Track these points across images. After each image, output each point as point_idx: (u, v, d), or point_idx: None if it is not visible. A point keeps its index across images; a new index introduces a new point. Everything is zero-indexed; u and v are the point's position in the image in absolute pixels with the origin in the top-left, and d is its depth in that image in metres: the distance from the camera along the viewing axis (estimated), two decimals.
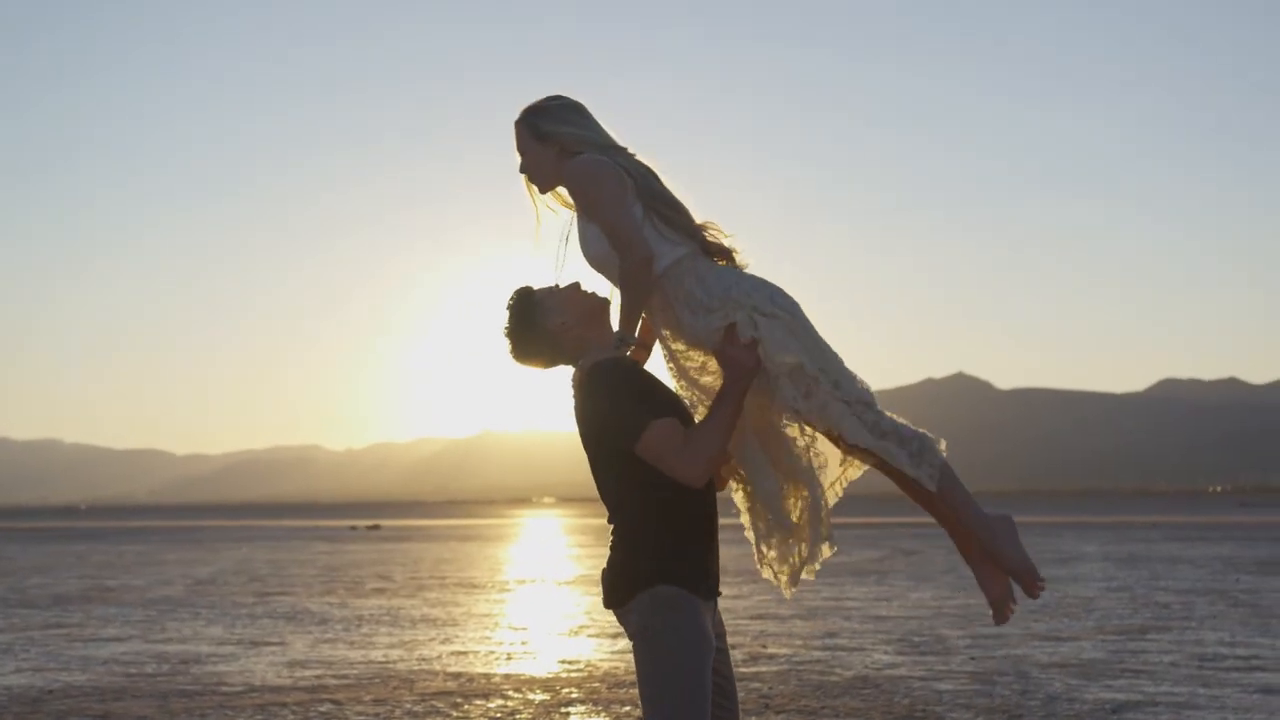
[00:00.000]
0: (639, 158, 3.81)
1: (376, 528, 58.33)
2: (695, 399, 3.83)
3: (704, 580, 3.53)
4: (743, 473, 3.79)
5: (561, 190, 3.89)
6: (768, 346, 3.58)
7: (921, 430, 3.66)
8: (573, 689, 9.05)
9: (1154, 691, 8.68)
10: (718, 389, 3.68)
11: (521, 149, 3.86)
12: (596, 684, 9.28)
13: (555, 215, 3.93)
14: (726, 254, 3.81)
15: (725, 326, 3.63)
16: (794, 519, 3.80)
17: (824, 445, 3.77)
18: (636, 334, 3.72)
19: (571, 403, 3.66)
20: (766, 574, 3.89)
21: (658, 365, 3.89)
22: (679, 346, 3.80)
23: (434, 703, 8.51)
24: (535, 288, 3.74)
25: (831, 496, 3.82)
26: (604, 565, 3.60)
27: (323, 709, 8.31)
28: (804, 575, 3.82)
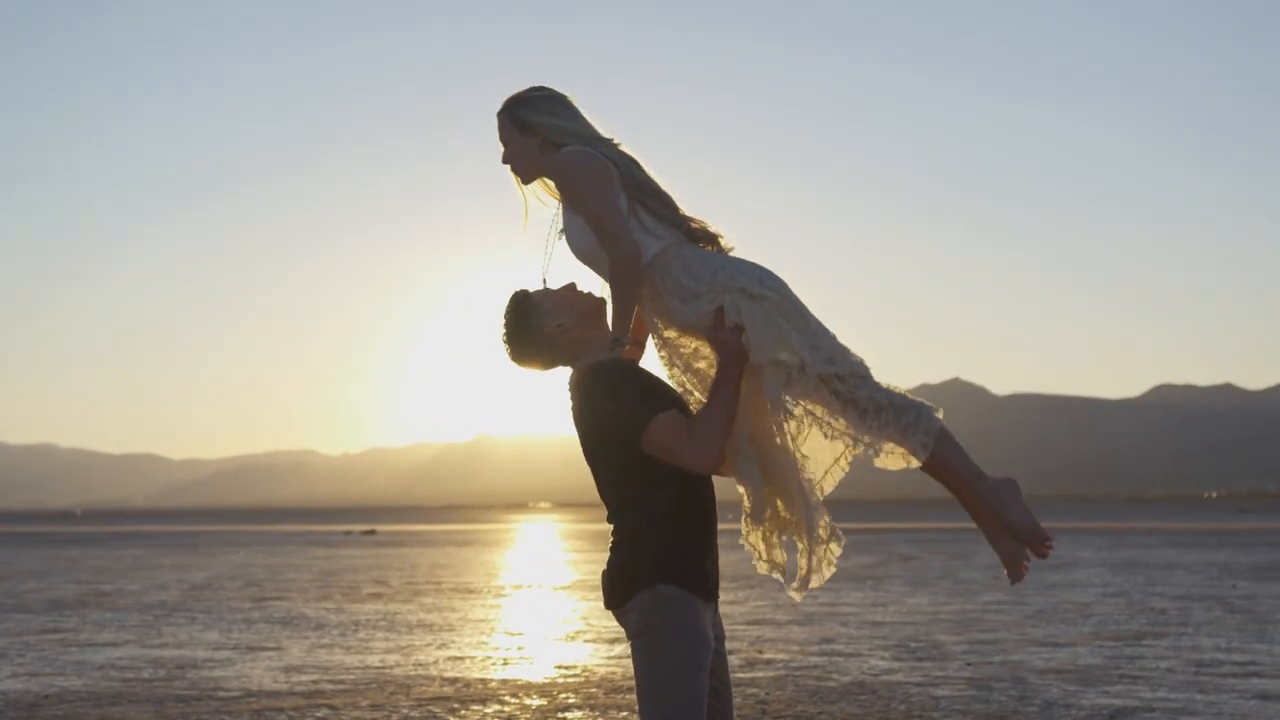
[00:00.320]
0: (623, 148, 3.82)
1: (372, 533, 58.30)
2: (690, 385, 3.83)
3: (704, 581, 3.53)
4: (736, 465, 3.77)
5: (547, 180, 3.90)
6: (751, 336, 3.59)
7: (918, 400, 3.65)
8: (570, 694, 9.04)
9: (1151, 697, 8.68)
10: (712, 374, 3.70)
11: (504, 139, 3.87)
12: (593, 689, 9.27)
13: (543, 206, 3.93)
14: (712, 239, 3.82)
15: (714, 310, 3.64)
16: (784, 514, 3.80)
17: (814, 436, 3.76)
18: (629, 333, 3.72)
19: (569, 405, 3.67)
20: (763, 569, 3.89)
21: (651, 362, 3.90)
22: (671, 334, 3.81)
23: (431, 708, 8.50)
24: (531, 290, 3.75)
25: (830, 482, 3.80)
26: (604, 566, 3.60)
27: (319, 714, 8.30)
28: (813, 583, 3.78)
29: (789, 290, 3.69)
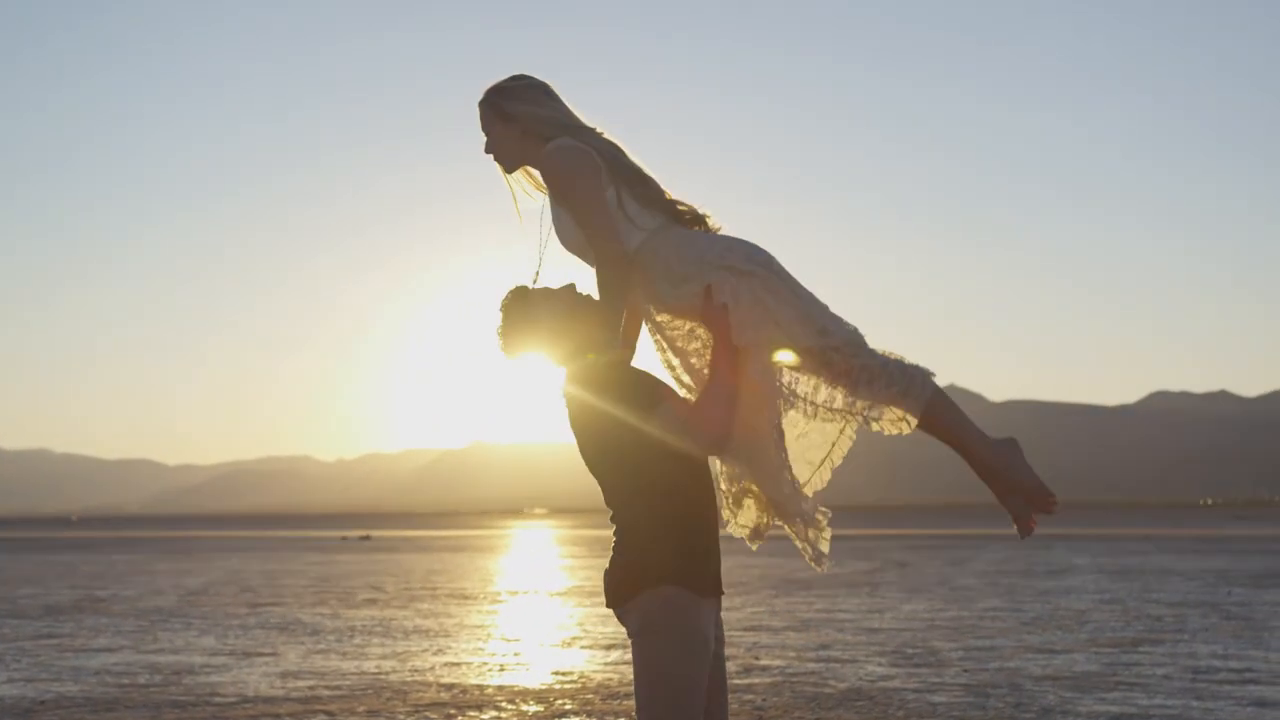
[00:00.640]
0: (605, 135, 3.83)
1: (367, 538, 58.26)
2: (685, 369, 3.84)
3: (706, 580, 3.54)
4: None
5: (531, 170, 3.91)
6: (741, 313, 3.60)
7: (914, 364, 3.67)
8: (566, 700, 9.04)
9: (1148, 704, 8.68)
10: (707, 354, 3.71)
11: (486, 129, 3.88)
12: (590, 695, 9.26)
13: (527, 196, 3.94)
14: (700, 220, 3.83)
15: (704, 290, 3.65)
16: (756, 490, 3.83)
17: (813, 413, 3.78)
18: (621, 331, 3.73)
19: (564, 408, 3.67)
20: (738, 532, 3.93)
21: (645, 350, 3.91)
22: (663, 318, 3.82)
23: (427, 714, 8.50)
24: (531, 288, 3.76)
25: (838, 454, 3.83)
26: (607, 566, 3.61)
27: None
28: (823, 548, 3.84)
29: (778, 265, 3.70)
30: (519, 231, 3.93)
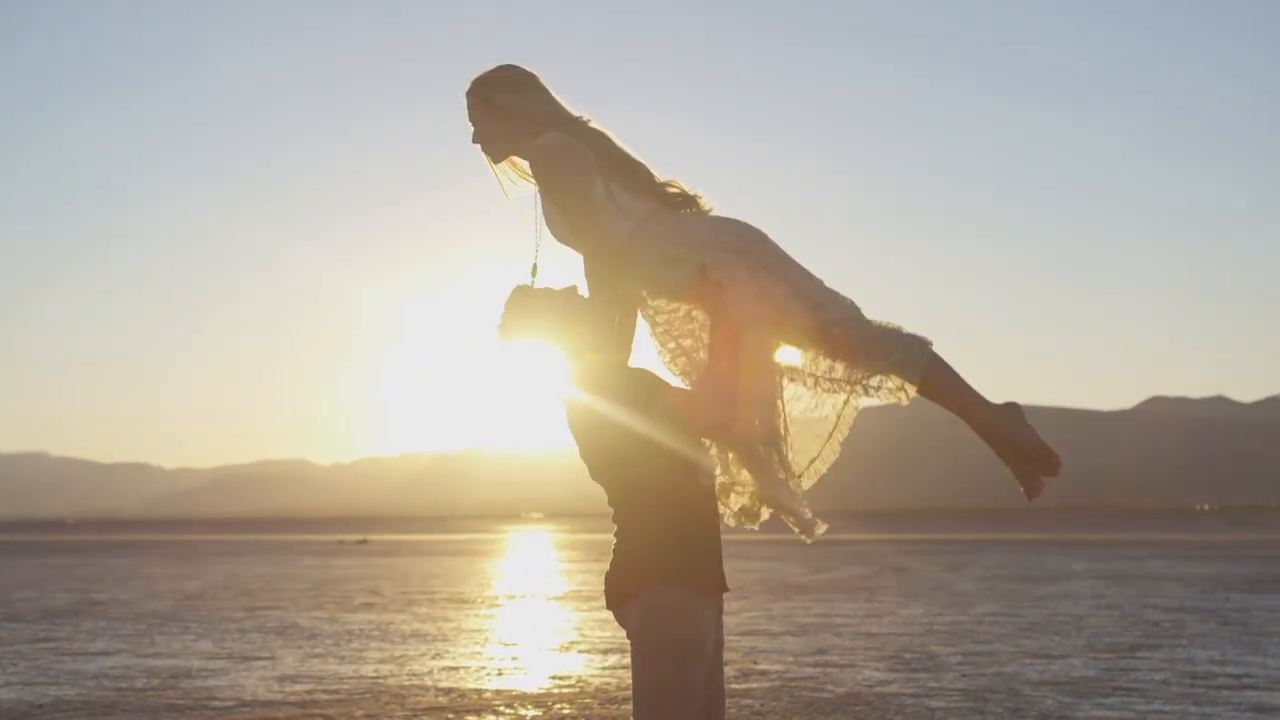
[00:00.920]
0: (593, 124, 3.83)
1: (365, 542, 58.24)
2: (683, 352, 3.84)
3: (707, 579, 3.54)
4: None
5: (517, 160, 3.92)
6: (735, 291, 3.61)
7: (911, 333, 3.68)
8: (564, 705, 9.04)
9: (1146, 710, 8.69)
10: (705, 336, 3.72)
11: (473, 119, 3.88)
12: (588, 700, 9.27)
13: (513, 185, 3.94)
14: (691, 201, 3.83)
15: (698, 271, 3.65)
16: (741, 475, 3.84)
17: (812, 390, 3.80)
18: (617, 331, 3.74)
19: (564, 410, 3.67)
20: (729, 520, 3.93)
21: (642, 343, 3.90)
22: (660, 304, 3.82)
23: (425, 718, 8.50)
24: (532, 288, 3.76)
25: (844, 427, 3.84)
26: (607, 566, 3.61)
27: None
28: (809, 518, 3.83)
29: (772, 242, 3.71)
30: (517, 231, 3.93)
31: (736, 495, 3.91)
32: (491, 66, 3.89)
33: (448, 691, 9.76)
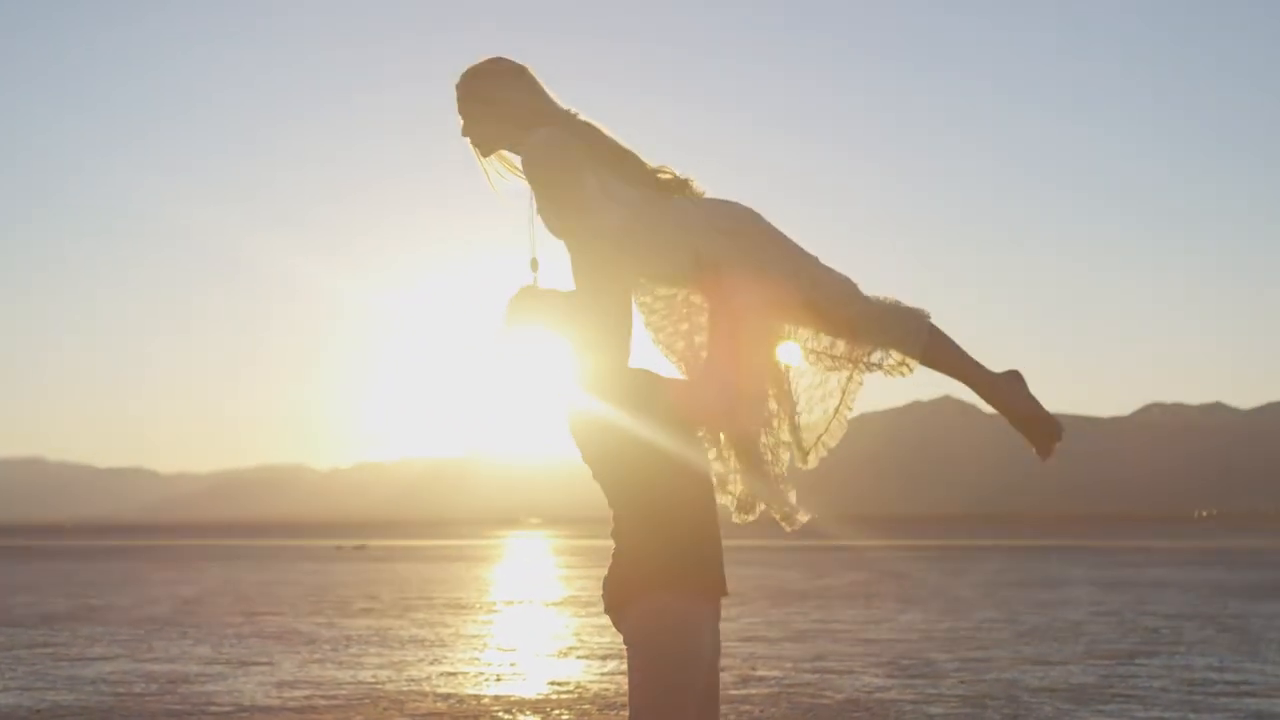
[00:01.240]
0: (582, 117, 3.83)
1: (363, 548, 58.22)
2: (680, 335, 3.84)
3: (705, 580, 3.53)
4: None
5: (505, 154, 3.92)
6: (731, 274, 3.61)
7: (909, 307, 3.68)
8: (563, 710, 9.04)
9: (1144, 717, 8.69)
10: (703, 320, 3.72)
11: (462, 112, 3.87)
12: (587, 705, 9.26)
13: (501, 179, 3.94)
14: (683, 185, 3.83)
15: (693, 256, 3.65)
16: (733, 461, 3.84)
17: (812, 369, 3.80)
18: (614, 332, 3.74)
19: (564, 414, 3.67)
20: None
21: (639, 343, 3.90)
22: (660, 291, 3.82)
23: None
24: (539, 285, 3.76)
25: (849, 401, 3.84)
26: (606, 572, 3.61)
27: None
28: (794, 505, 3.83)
29: (765, 222, 3.71)
30: (518, 234, 3.93)
31: (732, 485, 3.91)
32: (482, 59, 3.89)
33: (446, 697, 9.75)
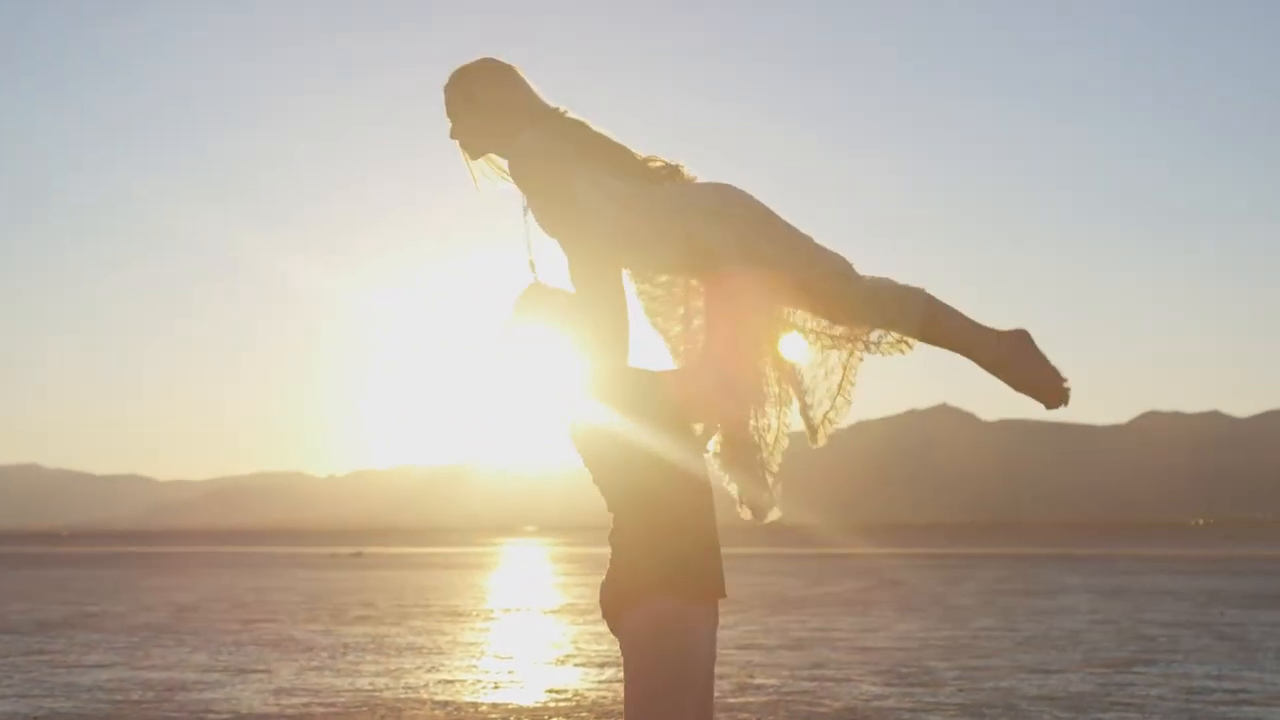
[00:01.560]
0: (570, 115, 3.83)
1: (360, 555, 58.18)
2: (677, 319, 3.84)
3: (703, 583, 3.52)
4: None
5: (494, 157, 3.91)
6: (724, 255, 3.60)
7: (904, 285, 3.66)
8: (560, 718, 9.03)
9: None
10: (699, 304, 3.72)
11: (451, 114, 3.86)
12: (584, 713, 9.25)
13: (487, 180, 3.93)
14: (674, 172, 3.82)
15: (687, 240, 3.64)
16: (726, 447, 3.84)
17: (810, 349, 3.80)
18: (612, 333, 3.73)
19: (565, 418, 3.66)
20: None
21: (637, 335, 3.89)
22: (662, 278, 3.81)
23: None
24: (548, 284, 3.75)
25: (850, 379, 3.82)
26: (604, 577, 3.60)
27: None
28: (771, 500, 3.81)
29: (757, 203, 3.69)
30: (518, 239, 3.92)
31: (730, 484, 3.90)
32: (471, 60, 3.89)
33: (444, 705, 9.74)
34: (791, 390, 3.84)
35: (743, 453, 3.80)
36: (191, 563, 48.15)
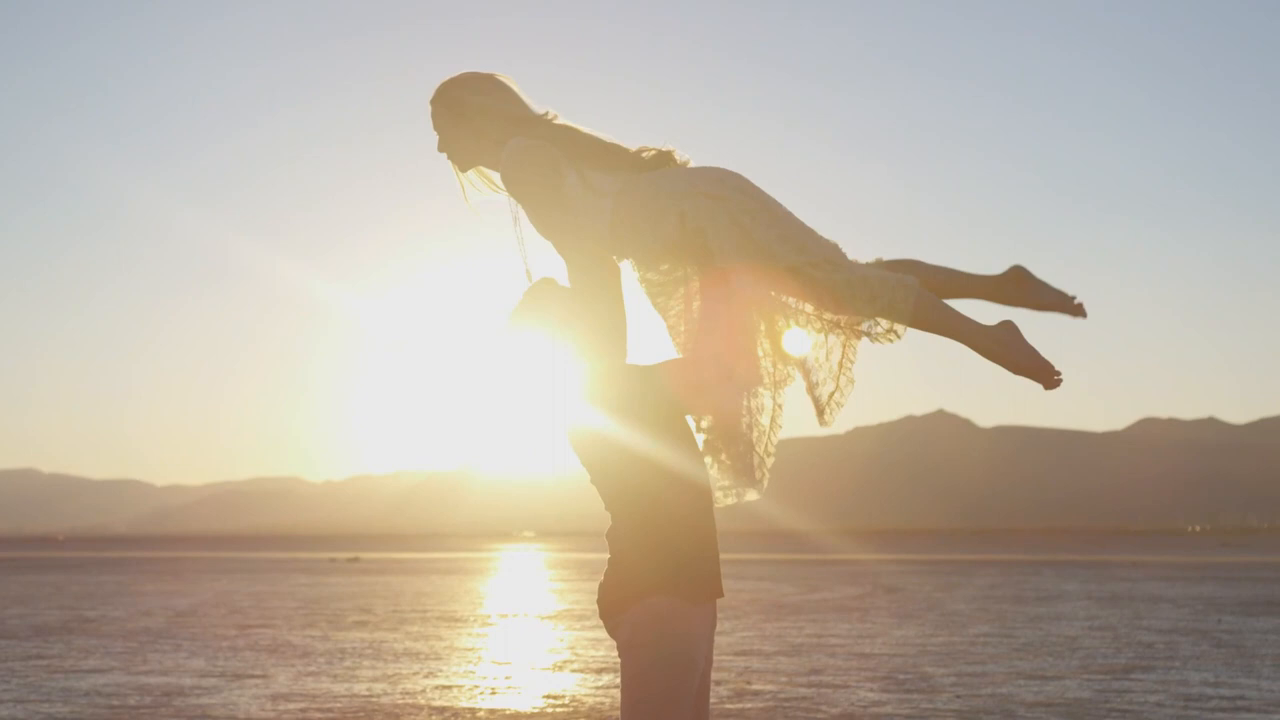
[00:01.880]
0: (558, 120, 3.83)
1: (357, 560, 58.13)
2: (679, 297, 3.84)
3: (699, 584, 3.52)
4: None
5: (484, 170, 3.91)
6: (716, 237, 3.60)
7: (894, 274, 3.66)
8: None
9: None
10: (691, 284, 3.72)
11: (437, 128, 3.86)
12: (582, 719, 9.25)
13: (477, 192, 3.94)
14: (666, 158, 3.83)
15: (679, 220, 3.65)
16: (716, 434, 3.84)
17: (806, 335, 3.80)
18: (610, 334, 3.74)
19: (565, 421, 3.67)
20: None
21: (640, 325, 3.90)
22: (664, 266, 3.82)
23: None
24: (555, 281, 3.76)
25: (848, 362, 3.83)
26: (602, 579, 3.61)
27: None
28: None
29: (751, 185, 3.70)
30: (509, 247, 3.92)
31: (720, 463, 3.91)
32: (455, 73, 3.89)
33: (441, 710, 9.74)
34: (796, 371, 3.84)
35: (730, 433, 3.80)
36: (188, 568, 48.11)
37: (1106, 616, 19.60)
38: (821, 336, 3.83)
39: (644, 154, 3.82)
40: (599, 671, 12.17)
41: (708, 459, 3.84)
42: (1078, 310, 3.89)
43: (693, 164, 3.84)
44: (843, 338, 3.83)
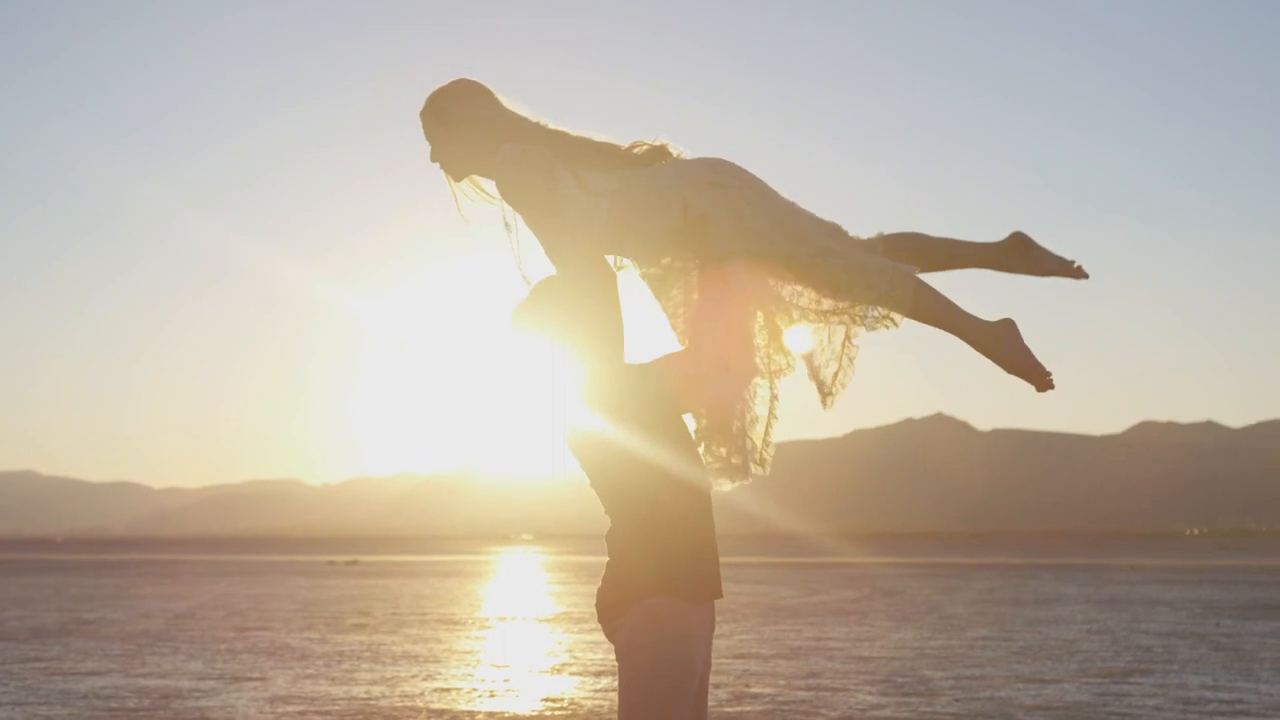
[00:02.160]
0: (549, 126, 3.83)
1: (355, 563, 58.12)
2: (680, 298, 3.84)
3: (697, 584, 3.52)
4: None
5: (476, 179, 3.92)
6: (715, 226, 3.60)
7: (893, 263, 3.66)
8: None
9: None
10: (691, 277, 3.72)
11: (429, 138, 3.87)
12: None
13: (470, 202, 3.94)
14: (660, 152, 3.83)
15: (679, 210, 3.65)
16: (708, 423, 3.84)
17: (804, 326, 3.80)
18: (608, 335, 3.74)
19: (565, 423, 3.67)
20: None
21: (641, 323, 3.90)
22: (666, 260, 3.82)
23: None
24: (560, 280, 3.76)
25: (849, 354, 3.83)
26: (600, 582, 3.61)
27: None
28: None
29: (749, 175, 3.70)
30: (507, 253, 3.93)
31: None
32: (443, 84, 3.90)
33: (440, 713, 9.74)
34: (796, 361, 3.84)
35: (727, 425, 3.80)
36: (187, 570, 48.09)
37: (1105, 620, 19.60)
38: (822, 324, 3.84)
39: (637, 150, 3.83)
40: (598, 674, 12.18)
41: (703, 449, 3.84)
42: (1079, 273, 3.91)
43: (687, 155, 3.84)
44: (844, 332, 3.83)
